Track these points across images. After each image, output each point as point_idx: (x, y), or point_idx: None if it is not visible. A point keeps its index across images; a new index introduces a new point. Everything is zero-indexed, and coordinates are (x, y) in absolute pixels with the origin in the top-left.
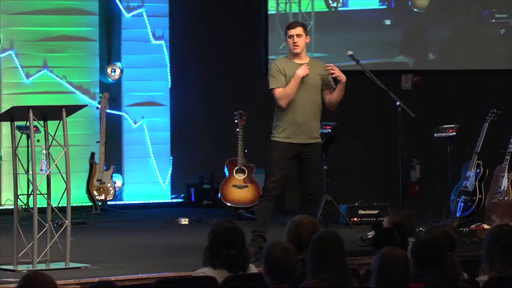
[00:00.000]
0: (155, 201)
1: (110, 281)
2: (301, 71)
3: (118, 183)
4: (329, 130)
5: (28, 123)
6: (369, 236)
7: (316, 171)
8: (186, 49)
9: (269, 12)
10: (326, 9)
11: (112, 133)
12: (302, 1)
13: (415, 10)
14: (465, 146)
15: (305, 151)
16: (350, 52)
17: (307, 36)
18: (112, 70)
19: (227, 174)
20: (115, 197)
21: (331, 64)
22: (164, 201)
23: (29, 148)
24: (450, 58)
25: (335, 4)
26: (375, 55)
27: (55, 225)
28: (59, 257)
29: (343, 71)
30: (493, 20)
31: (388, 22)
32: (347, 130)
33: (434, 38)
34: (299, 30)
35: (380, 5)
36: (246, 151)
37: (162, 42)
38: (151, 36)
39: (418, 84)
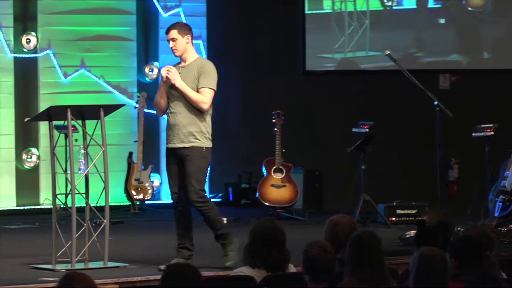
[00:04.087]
0: None
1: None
2: (163, 74)
3: (156, 182)
4: (367, 130)
5: (66, 123)
6: (407, 236)
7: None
8: (224, 49)
9: (325, 11)
10: (381, 8)
11: (150, 133)
12: (358, 0)
13: (469, 9)
14: (504, 146)
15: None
16: (387, 52)
17: (187, 35)
18: (150, 70)
19: (265, 173)
20: (153, 197)
21: (167, 66)
22: None
23: (67, 148)
24: (503, 57)
25: (390, 3)
26: (429, 54)
27: (93, 224)
28: (97, 256)
29: (385, 71)
30: None
31: (442, 21)
32: (385, 130)
33: (487, 37)
34: (172, 34)
35: (434, 4)
36: (284, 150)
37: (200, 41)
38: None
39: (456, 84)
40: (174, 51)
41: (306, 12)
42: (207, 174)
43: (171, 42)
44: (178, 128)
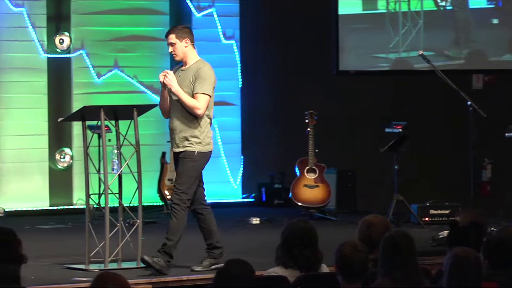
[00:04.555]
0: (226, 201)
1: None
2: (160, 79)
3: None
4: (400, 130)
5: (99, 123)
6: (441, 236)
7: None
8: (257, 49)
9: (379, 11)
10: (435, 8)
11: None
12: (412, 0)
13: None
14: None
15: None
16: (421, 52)
17: (185, 39)
18: None
19: (298, 173)
20: None
21: (165, 71)
22: (235, 200)
23: (101, 148)
24: None
25: (443, 3)
26: (482, 54)
27: (126, 224)
28: (130, 256)
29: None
30: None
31: (495, 21)
32: (418, 130)
33: None
34: (170, 38)
35: (487, 4)
36: (317, 150)
37: (233, 41)
38: (221, 36)
39: (490, 84)
40: (174, 55)
41: (339, 13)
42: (196, 178)
43: (169, 47)
44: (175, 132)
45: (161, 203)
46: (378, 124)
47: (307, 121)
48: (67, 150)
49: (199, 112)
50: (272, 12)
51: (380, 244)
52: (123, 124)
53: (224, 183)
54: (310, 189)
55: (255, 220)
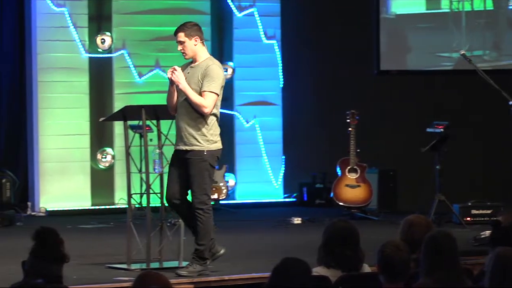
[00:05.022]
0: (268, 201)
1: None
2: (168, 75)
3: (231, 182)
4: (441, 130)
5: (141, 123)
6: (482, 236)
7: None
8: (298, 49)
9: (442, 11)
10: (492, 8)
11: (224, 133)
12: (475, 0)
13: None
14: None
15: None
16: (462, 51)
17: (195, 37)
18: (224, 70)
19: (339, 173)
20: (227, 197)
21: (173, 67)
22: (277, 200)
23: (142, 147)
24: None
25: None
26: None
27: (168, 224)
28: (172, 256)
29: (462, 71)
30: None
31: None
32: (460, 129)
33: None
34: (179, 36)
35: None
36: (358, 150)
37: (274, 41)
38: (262, 36)
39: None
40: (183, 54)
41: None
42: (211, 177)
43: (179, 45)
44: (182, 130)
45: None
46: (419, 123)
47: (348, 120)
48: (108, 150)
49: (206, 110)
50: (313, 11)
51: (422, 244)
52: (165, 123)
53: (265, 183)
54: (351, 189)
55: (297, 220)
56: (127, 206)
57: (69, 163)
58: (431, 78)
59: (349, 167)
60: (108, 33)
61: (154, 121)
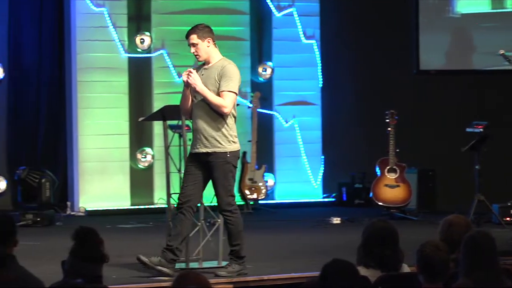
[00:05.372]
0: (307, 200)
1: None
2: (183, 78)
3: (270, 182)
4: (481, 130)
5: (180, 122)
6: None
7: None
8: (337, 48)
9: (507, 10)
10: None
11: (264, 132)
12: None
13: None
14: None
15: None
16: (502, 51)
17: (207, 39)
18: (263, 70)
19: (378, 173)
20: (266, 196)
21: (188, 70)
22: (316, 200)
23: (181, 147)
24: None
25: None
26: None
27: (207, 224)
28: (211, 255)
29: (499, 70)
30: None
31: None
32: (499, 129)
33: None
34: (192, 39)
35: None
36: (397, 150)
37: (313, 41)
38: (301, 35)
39: None
40: (196, 56)
41: (466, 12)
42: (234, 178)
43: (192, 47)
44: (201, 132)
45: (242, 203)
46: (459, 123)
47: (387, 120)
48: (148, 149)
49: (226, 110)
50: (352, 11)
51: (461, 244)
52: None
53: (304, 183)
54: (390, 188)
55: (336, 220)
56: (166, 206)
57: (109, 163)
58: (471, 77)
59: (388, 167)
60: (147, 33)
61: None
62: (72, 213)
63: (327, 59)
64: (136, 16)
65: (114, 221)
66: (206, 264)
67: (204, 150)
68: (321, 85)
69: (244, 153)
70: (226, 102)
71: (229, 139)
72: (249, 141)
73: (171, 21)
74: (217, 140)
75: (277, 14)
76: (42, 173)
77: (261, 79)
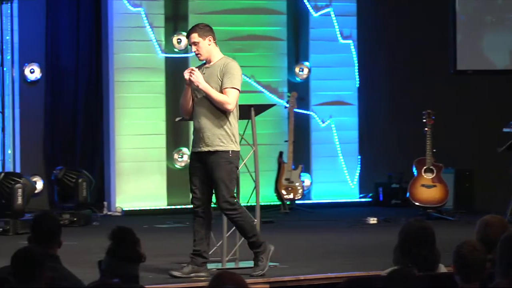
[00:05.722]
0: (343, 200)
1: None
2: (186, 76)
3: (307, 182)
4: None
5: None
6: None
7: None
8: (374, 48)
9: None
10: None
11: (300, 132)
12: None
13: None
14: None
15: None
16: None
17: (208, 37)
18: (300, 69)
19: (415, 173)
20: (303, 196)
21: (190, 68)
22: (353, 200)
23: None
24: None
25: None
26: None
27: None
28: (248, 256)
29: None
30: None
31: None
32: None
33: None
34: (193, 38)
35: None
36: (434, 150)
37: (350, 41)
38: (339, 35)
39: None
40: (198, 55)
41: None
42: (236, 178)
43: (193, 46)
44: (203, 131)
45: (279, 203)
46: (496, 123)
47: (424, 120)
48: (184, 149)
49: (230, 107)
50: (389, 11)
51: (498, 245)
52: (241, 123)
53: (341, 183)
54: (427, 189)
55: (373, 220)
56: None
57: (145, 162)
58: (508, 77)
59: (425, 167)
60: (184, 33)
61: None
62: (109, 213)
63: (364, 59)
64: (173, 16)
65: (151, 221)
66: (243, 264)
67: (206, 149)
68: (358, 85)
69: (281, 153)
70: (230, 98)
71: (232, 138)
72: (286, 141)
73: (208, 21)
74: (220, 139)
75: (314, 14)
76: (79, 173)
77: (298, 79)
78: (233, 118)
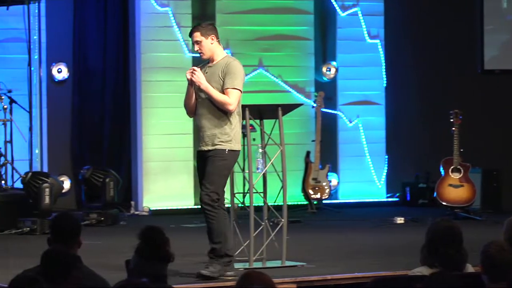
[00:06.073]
0: (370, 200)
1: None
2: (187, 76)
3: (334, 181)
4: None
5: (244, 122)
6: None
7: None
8: (402, 48)
9: None
10: None
11: (328, 132)
12: None
13: None
14: None
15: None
16: None
17: (211, 36)
18: (327, 69)
19: (442, 173)
20: (330, 196)
21: (192, 68)
22: (380, 200)
23: (245, 147)
24: None
25: None
26: None
27: (271, 223)
28: (275, 255)
29: None
30: None
31: None
32: None
33: None
34: (196, 36)
35: None
36: (462, 150)
37: (377, 41)
38: (366, 35)
39: None
40: (200, 54)
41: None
42: (226, 177)
43: (195, 45)
44: (203, 130)
45: (306, 202)
46: None
47: (452, 120)
48: None
49: (231, 108)
50: (417, 11)
51: None
52: (268, 123)
53: (368, 183)
54: (455, 188)
55: (400, 220)
56: (230, 205)
57: (173, 162)
58: None
59: (452, 167)
60: None
61: (258, 121)
62: (136, 212)
63: (391, 59)
64: (200, 16)
65: (178, 221)
66: (270, 264)
67: (205, 148)
68: (385, 85)
69: (308, 153)
70: (231, 99)
71: (231, 138)
72: (313, 140)
73: (236, 21)
74: (218, 138)
75: (341, 13)
76: (106, 172)
77: (325, 78)
78: (235, 118)
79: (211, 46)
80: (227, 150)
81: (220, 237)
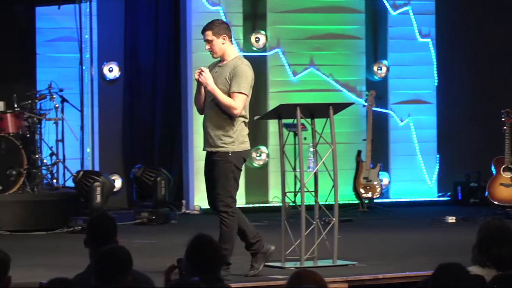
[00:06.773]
0: (422, 199)
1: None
2: (195, 76)
3: (385, 181)
4: None
5: (295, 121)
6: None
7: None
8: (454, 47)
9: None
10: None
11: (379, 131)
12: None
13: None
14: None
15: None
16: None
17: (223, 36)
18: (379, 68)
19: (494, 172)
20: (381, 195)
21: (200, 68)
22: (431, 199)
23: (297, 146)
24: None
25: None
26: None
27: (322, 222)
28: (326, 254)
29: None
30: None
31: None
32: None
33: None
34: (207, 35)
35: None
36: None
37: (429, 39)
38: (417, 34)
39: None
40: (211, 53)
41: None
42: (236, 179)
43: (206, 44)
44: (207, 131)
45: (357, 201)
46: None
47: (503, 119)
48: (263, 148)
49: (236, 112)
50: (468, 9)
51: None
52: (319, 122)
53: (419, 182)
54: (506, 187)
55: (451, 219)
56: (281, 204)
57: None
58: None
59: (504, 166)
60: (262, 32)
61: (309, 120)
62: (187, 211)
63: (442, 58)
64: (251, 15)
65: None
66: (321, 263)
67: (209, 149)
68: (437, 84)
69: (359, 152)
70: (236, 103)
71: (234, 140)
72: (364, 139)
73: (287, 20)
74: (221, 139)
75: (392, 12)
76: (157, 171)
77: (376, 77)
78: (240, 121)
79: (222, 46)
80: (230, 152)
81: (228, 244)
